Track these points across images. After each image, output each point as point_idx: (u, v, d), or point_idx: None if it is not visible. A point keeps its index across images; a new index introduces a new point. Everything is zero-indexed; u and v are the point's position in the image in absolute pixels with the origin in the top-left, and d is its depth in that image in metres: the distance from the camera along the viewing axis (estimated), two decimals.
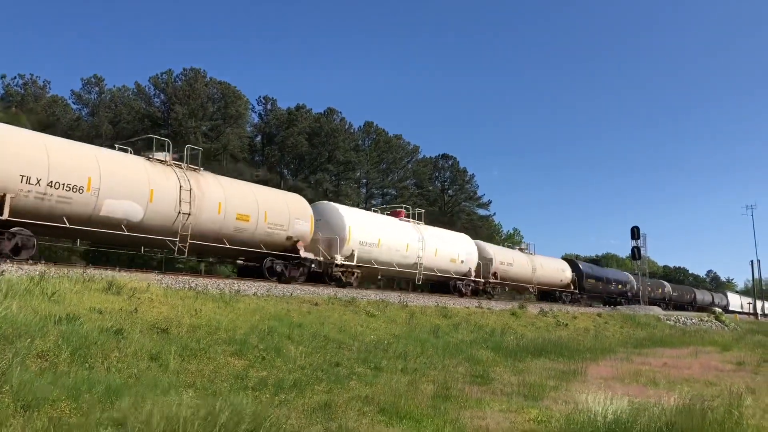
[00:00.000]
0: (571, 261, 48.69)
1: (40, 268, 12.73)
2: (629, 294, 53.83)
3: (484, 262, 34.86)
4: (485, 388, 10.35)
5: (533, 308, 28.11)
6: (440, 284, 32.25)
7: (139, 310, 10.28)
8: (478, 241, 37.37)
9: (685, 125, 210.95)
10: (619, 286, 53.26)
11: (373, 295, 20.69)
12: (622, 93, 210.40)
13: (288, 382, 8.67)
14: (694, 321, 40.29)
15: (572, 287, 44.39)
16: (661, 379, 12.42)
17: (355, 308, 16.66)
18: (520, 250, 43.73)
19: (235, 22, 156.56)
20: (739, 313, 74.17)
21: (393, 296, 21.34)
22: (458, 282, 32.11)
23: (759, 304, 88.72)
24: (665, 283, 67.55)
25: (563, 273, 44.50)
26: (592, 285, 47.67)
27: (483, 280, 34.40)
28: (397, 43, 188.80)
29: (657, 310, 43.33)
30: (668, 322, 36.78)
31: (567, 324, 25.71)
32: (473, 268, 33.19)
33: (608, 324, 29.75)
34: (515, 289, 41.53)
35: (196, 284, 14.78)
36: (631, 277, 56.04)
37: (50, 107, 50.53)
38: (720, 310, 60.40)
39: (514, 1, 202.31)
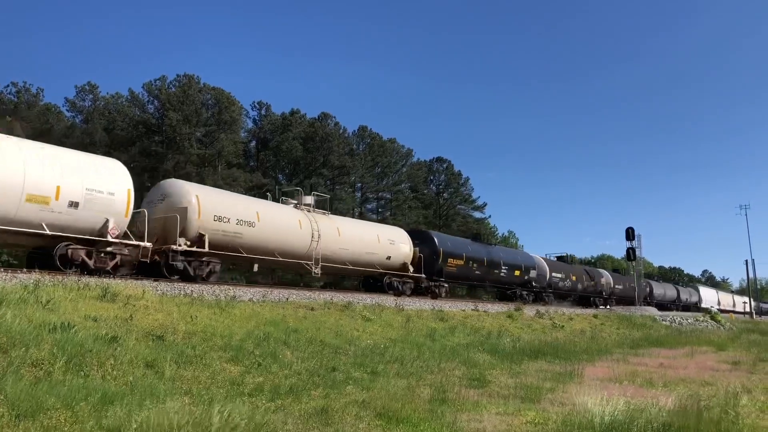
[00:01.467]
0: (419, 232, 33.33)
1: (34, 276, 12.68)
2: (534, 285, 40.42)
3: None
4: (482, 391, 10.35)
5: (529, 310, 28.16)
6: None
7: (134, 318, 10.25)
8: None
9: (679, 126, 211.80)
10: (516, 273, 38.37)
11: (368, 299, 20.69)
12: (616, 95, 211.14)
13: (284, 387, 8.67)
14: (689, 321, 40.42)
15: (412, 270, 29.10)
16: (657, 380, 12.45)
17: (351, 313, 16.65)
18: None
19: (228, 28, 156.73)
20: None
21: (389, 300, 21.33)
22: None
23: (739, 301, 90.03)
24: (604, 272, 53.91)
25: (392, 247, 28.26)
26: (458, 268, 32.43)
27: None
28: (389, 48, 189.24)
29: (652, 311, 43.40)
30: (664, 322, 36.87)
31: (563, 326, 25.75)
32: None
33: (604, 325, 29.80)
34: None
35: (192, 291, 14.75)
36: (540, 261, 43.02)
37: (44, 115, 50.35)
38: (715, 309, 60.45)
39: (507, 4, 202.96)
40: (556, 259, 48.29)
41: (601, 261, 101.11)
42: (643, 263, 62.15)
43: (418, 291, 29.22)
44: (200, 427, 5.79)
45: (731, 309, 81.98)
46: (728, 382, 12.27)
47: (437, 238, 31.21)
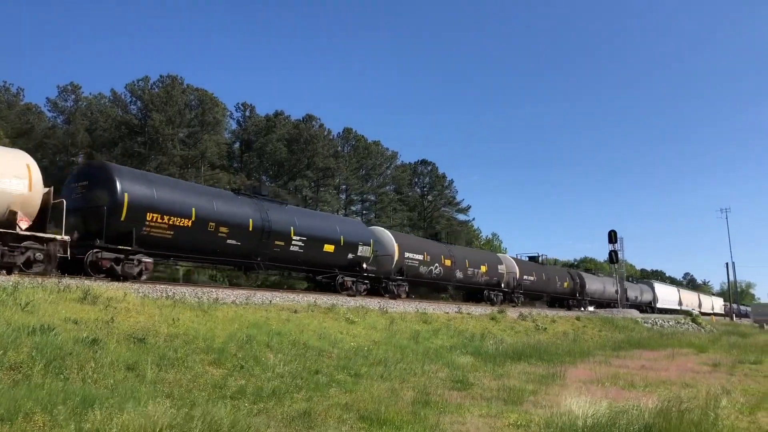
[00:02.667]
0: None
1: (13, 278, 12.52)
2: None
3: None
4: (465, 394, 10.37)
5: (512, 312, 28.26)
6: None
7: (115, 320, 10.16)
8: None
9: (660, 130, 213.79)
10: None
11: (352, 302, 20.65)
12: (598, 99, 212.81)
13: (267, 390, 8.62)
14: (671, 323, 40.85)
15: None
16: (639, 382, 12.54)
17: (335, 315, 16.61)
18: None
19: (212, 28, 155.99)
20: (671, 311, 63.28)
21: (373, 303, 21.31)
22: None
23: (707, 301, 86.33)
24: (509, 259, 40.99)
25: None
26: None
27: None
28: (375, 50, 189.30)
29: (634, 313, 43.73)
30: (646, 324, 37.21)
31: (546, 328, 25.88)
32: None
33: (587, 327, 29.99)
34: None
35: (174, 293, 14.63)
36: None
37: (24, 115, 49.84)
38: (697, 312, 60.85)
39: (492, 8, 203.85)
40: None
41: (584, 264, 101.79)
42: (626, 266, 62.57)
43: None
44: (182, 431, 5.74)
45: (697, 310, 75.29)
46: (708, 383, 12.41)
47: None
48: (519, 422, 8.09)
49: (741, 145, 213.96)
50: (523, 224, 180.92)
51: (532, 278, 41.24)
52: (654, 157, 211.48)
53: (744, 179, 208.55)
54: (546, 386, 11.50)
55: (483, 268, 35.66)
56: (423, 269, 30.00)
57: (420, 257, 29.68)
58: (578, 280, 48.94)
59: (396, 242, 28.27)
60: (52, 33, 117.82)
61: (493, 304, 34.55)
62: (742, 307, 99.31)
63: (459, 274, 33.21)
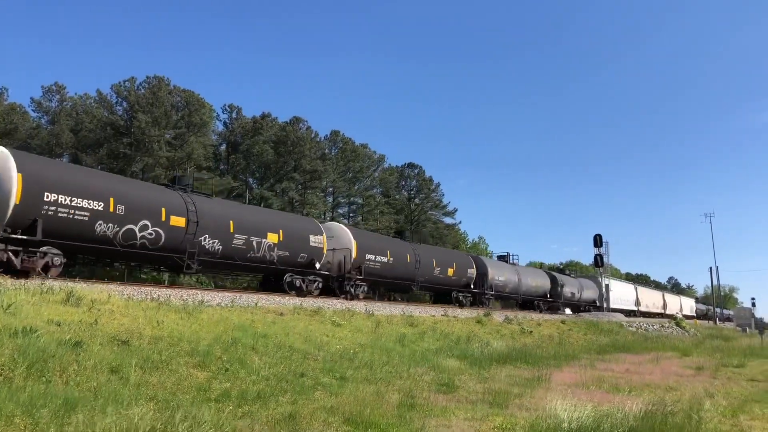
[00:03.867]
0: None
1: None
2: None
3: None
4: (451, 397, 10.38)
5: (498, 316, 28.34)
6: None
7: (99, 322, 10.06)
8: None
9: (646, 135, 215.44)
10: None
11: (338, 304, 20.62)
12: (583, 105, 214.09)
13: (252, 393, 8.58)
14: (655, 327, 41.14)
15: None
16: (623, 385, 12.62)
17: (321, 318, 16.57)
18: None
19: (199, 30, 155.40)
20: (621, 311, 54.50)
21: (359, 305, 21.29)
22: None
23: (673, 302, 79.23)
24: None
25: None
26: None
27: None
28: (363, 53, 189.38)
29: (619, 317, 43.96)
30: (630, 328, 37.44)
31: (531, 331, 25.96)
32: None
33: (572, 331, 30.12)
34: None
35: (159, 295, 14.54)
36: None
37: (8, 115, 49.33)
38: (680, 316, 61.09)
39: (479, 13, 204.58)
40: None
41: (569, 267, 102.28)
42: (611, 269, 62.80)
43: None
44: None
45: (659, 311, 69.50)
46: (692, 387, 12.52)
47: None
48: (504, 425, 8.11)
49: (725, 150, 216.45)
50: (510, 228, 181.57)
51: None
52: (640, 162, 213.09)
53: (728, 184, 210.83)
54: (531, 389, 11.54)
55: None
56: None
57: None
58: (557, 281, 47.54)
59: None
60: (36, 32, 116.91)
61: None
62: (725, 311, 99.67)
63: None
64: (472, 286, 36.10)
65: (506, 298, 42.33)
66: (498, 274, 39.15)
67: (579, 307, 51.18)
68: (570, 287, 49.60)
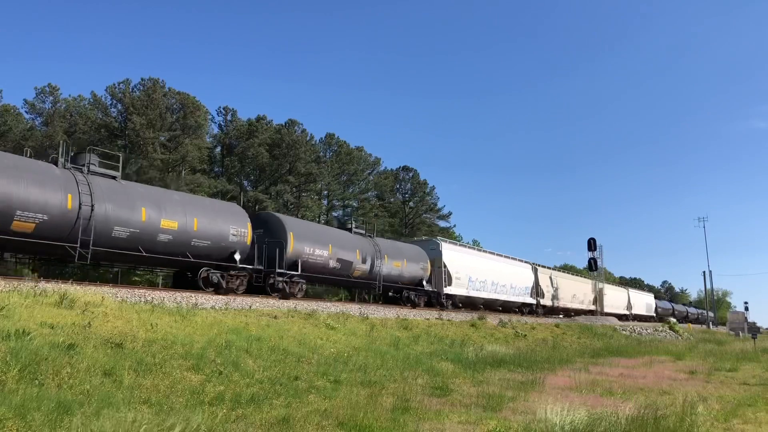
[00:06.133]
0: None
1: None
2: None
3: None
4: (445, 400, 10.39)
5: (492, 319, 28.36)
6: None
7: (92, 325, 10.03)
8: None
9: (639, 139, 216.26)
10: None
11: (333, 307, 20.61)
12: (577, 108, 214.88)
13: (246, 396, 8.57)
14: (649, 331, 41.27)
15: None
16: (617, 389, 12.65)
17: (315, 321, 16.57)
18: None
19: (194, 32, 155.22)
20: (581, 312, 49.75)
21: (353, 308, 21.28)
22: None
23: (639, 301, 69.30)
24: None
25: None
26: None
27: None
28: (359, 56, 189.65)
29: (612, 321, 44.03)
30: (624, 332, 37.56)
31: (525, 335, 26.03)
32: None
33: (566, 335, 30.20)
34: None
35: (153, 297, 14.52)
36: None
37: (1, 116, 49.18)
38: (674, 320, 61.04)
39: (475, 16, 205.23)
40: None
41: (564, 271, 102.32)
42: (605, 273, 62.78)
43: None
44: None
45: (623, 312, 61.25)
46: (685, 390, 12.55)
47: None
48: (498, 429, 8.12)
49: (720, 154, 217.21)
50: (503, 231, 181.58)
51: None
52: (634, 166, 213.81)
53: (722, 188, 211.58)
54: (525, 393, 11.56)
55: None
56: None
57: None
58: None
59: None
60: (30, 33, 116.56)
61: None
62: (710, 313, 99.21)
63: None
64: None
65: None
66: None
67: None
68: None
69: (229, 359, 10.32)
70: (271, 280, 22.29)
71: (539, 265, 45.98)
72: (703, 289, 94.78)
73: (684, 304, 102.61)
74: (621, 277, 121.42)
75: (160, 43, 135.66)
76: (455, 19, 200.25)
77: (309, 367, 11.52)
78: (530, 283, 42.61)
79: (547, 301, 44.46)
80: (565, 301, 47.47)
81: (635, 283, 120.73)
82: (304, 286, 24.66)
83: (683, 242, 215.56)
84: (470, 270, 34.71)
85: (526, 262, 44.69)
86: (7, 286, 11.91)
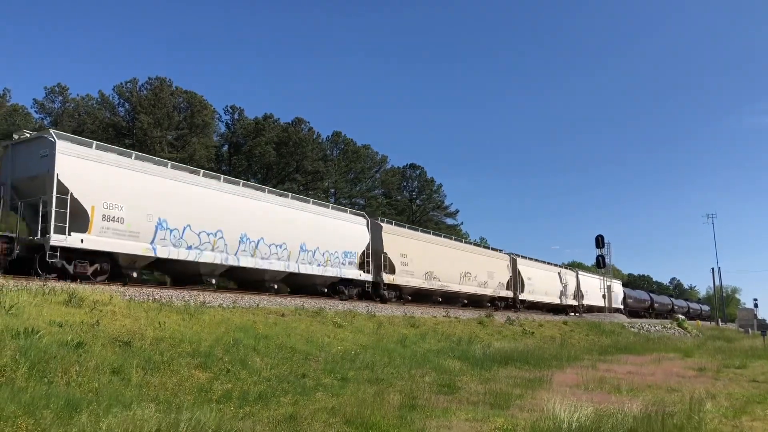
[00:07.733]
0: None
1: None
2: None
3: None
4: (452, 398, 10.37)
5: (500, 317, 28.31)
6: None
7: (101, 323, 10.09)
8: None
9: (648, 135, 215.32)
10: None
11: (340, 305, 20.63)
12: (585, 105, 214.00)
13: (253, 394, 8.60)
14: (657, 328, 41.11)
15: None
16: (624, 386, 12.59)
17: (323, 319, 16.59)
18: None
19: (201, 31, 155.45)
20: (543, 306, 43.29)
21: (361, 306, 21.30)
22: None
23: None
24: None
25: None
26: None
27: None
28: (366, 54, 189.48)
29: (621, 318, 43.83)
30: (633, 329, 37.43)
31: (533, 332, 25.98)
32: None
33: (574, 332, 30.13)
34: None
35: (161, 296, 14.57)
36: None
37: (11, 116, 49.44)
38: (682, 317, 60.72)
39: (479, 15, 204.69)
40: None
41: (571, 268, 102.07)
42: (613, 270, 62.46)
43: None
44: None
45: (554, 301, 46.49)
46: (693, 388, 12.49)
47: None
48: (505, 426, 8.10)
49: (728, 150, 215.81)
50: (511, 229, 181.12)
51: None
52: (642, 163, 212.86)
53: (730, 185, 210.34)
54: (533, 390, 11.53)
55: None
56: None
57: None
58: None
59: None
60: (39, 33, 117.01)
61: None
62: (701, 305, 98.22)
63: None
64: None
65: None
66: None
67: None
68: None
69: (236, 357, 10.36)
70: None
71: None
72: (712, 286, 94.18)
73: (686, 300, 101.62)
74: (630, 274, 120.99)
75: (167, 43, 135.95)
76: (464, 19, 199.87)
77: (316, 364, 11.55)
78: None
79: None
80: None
81: (644, 280, 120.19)
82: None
83: (692, 239, 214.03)
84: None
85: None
86: (17, 285, 11.97)
